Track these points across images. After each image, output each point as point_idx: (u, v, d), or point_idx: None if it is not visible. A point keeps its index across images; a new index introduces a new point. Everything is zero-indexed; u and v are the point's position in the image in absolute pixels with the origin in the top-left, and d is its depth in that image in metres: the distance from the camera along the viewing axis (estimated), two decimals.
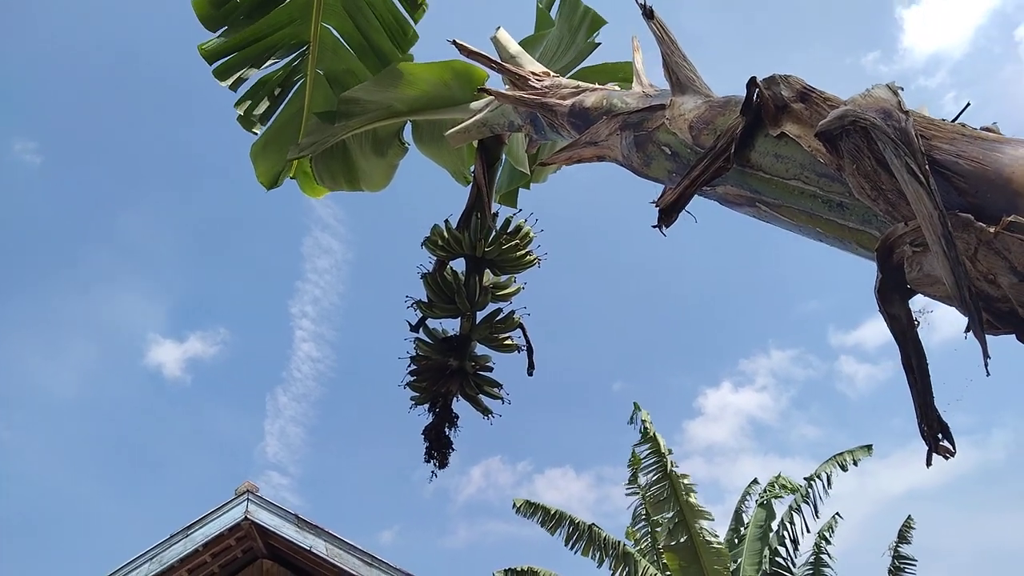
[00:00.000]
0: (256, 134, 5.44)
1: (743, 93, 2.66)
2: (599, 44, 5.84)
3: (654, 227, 2.72)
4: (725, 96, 2.89)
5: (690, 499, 14.14)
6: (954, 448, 1.96)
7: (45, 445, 39.27)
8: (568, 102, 3.61)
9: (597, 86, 3.69)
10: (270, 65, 5.33)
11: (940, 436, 1.98)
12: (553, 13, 5.62)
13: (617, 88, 3.55)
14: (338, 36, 5.41)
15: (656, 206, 2.84)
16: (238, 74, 5.20)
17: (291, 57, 5.41)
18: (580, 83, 3.77)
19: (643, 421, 15.16)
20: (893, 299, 2.06)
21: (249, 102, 5.38)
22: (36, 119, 35.82)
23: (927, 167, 1.94)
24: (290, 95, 5.52)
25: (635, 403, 15.46)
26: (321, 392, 41.01)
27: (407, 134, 5.63)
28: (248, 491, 11.25)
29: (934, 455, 1.98)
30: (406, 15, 5.29)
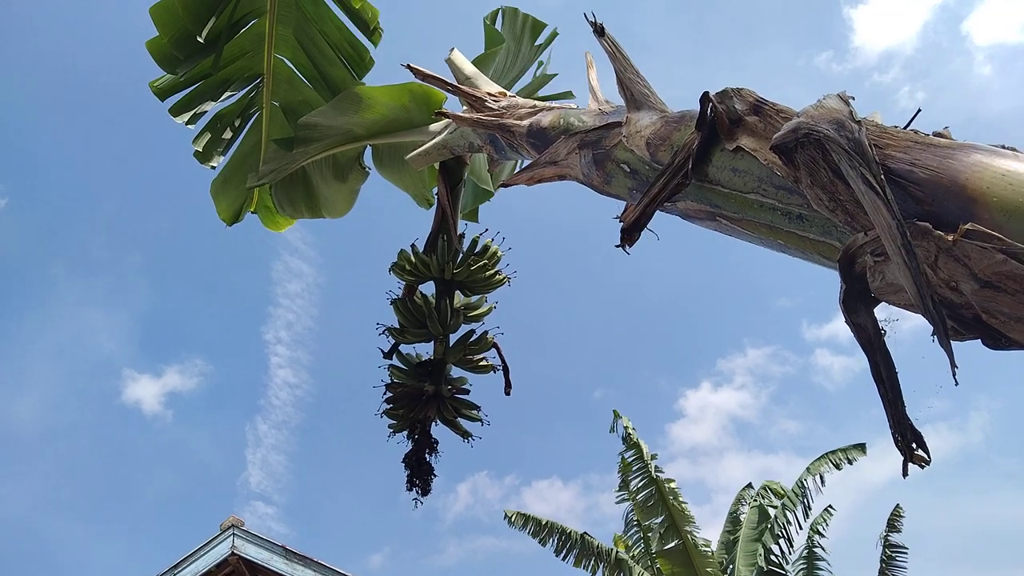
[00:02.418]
0: (214, 168, 5.37)
1: (697, 106, 2.65)
2: (544, 46, 5.81)
3: (617, 246, 2.70)
4: (680, 111, 2.88)
5: (678, 503, 14.14)
6: (929, 457, 1.95)
7: (24, 487, 38.66)
8: (525, 122, 3.58)
9: (553, 105, 3.68)
10: (226, 99, 5.27)
11: (914, 445, 1.97)
12: (498, 27, 5.60)
13: (573, 106, 3.54)
14: (292, 67, 5.36)
15: (619, 221, 2.82)
16: (194, 110, 5.13)
17: (246, 90, 5.35)
18: (536, 103, 3.75)
19: (625, 428, 15.15)
20: (858, 309, 2.05)
21: (207, 137, 5.31)
22: None
23: (882, 177, 1.93)
24: (247, 128, 5.46)
25: (615, 411, 15.46)
26: (301, 418, 40.62)
27: (367, 158, 5.58)
28: (233, 525, 11.12)
29: (910, 464, 1.97)
30: (364, 40, 5.24)
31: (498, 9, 5.60)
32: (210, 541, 11.15)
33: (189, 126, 5.19)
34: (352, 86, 5.26)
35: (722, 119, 2.49)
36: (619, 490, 15.46)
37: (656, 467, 14.50)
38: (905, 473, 1.91)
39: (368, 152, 5.55)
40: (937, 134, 2.02)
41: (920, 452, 1.94)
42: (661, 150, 2.75)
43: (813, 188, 2.13)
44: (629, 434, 15.05)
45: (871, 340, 2.02)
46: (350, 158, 5.60)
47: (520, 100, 3.88)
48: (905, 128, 2.10)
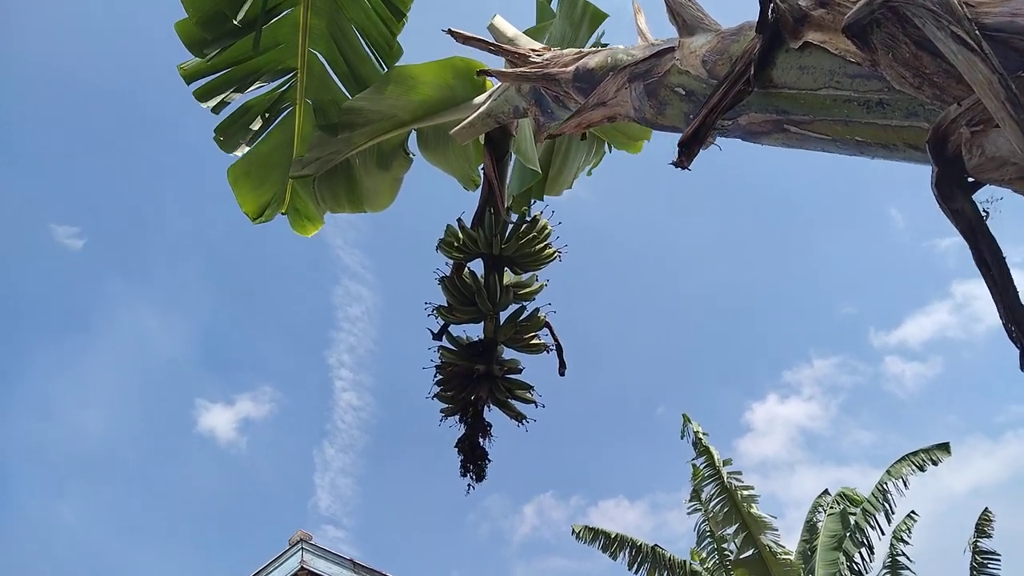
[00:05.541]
0: (237, 155, 5.23)
1: (755, 17, 2.42)
2: (606, 45, 5.63)
3: (672, 163, 2.47)
4: (737, 25, 2.64)
5: (752, 510, 13.64)
6: None
7: (94, 509, 39.60)
8: (571, 68, 3.38)
9: (599, 48, 3.47)
10: (255, 89, 5.15)
11: None
12: (554, 7, 5.43)
13: (620, 46, 3.32)
14: (325, 63, 5.22)
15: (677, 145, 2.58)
16: (221, 97, 5.01)
17: (278, 83, 5.23)
18: (581, 50, 3.54)
19: (695, 432, 14.69)
20: (954, 193, 1.78)
21: (232, 126, 5.17)
22: (76, 203, 36.85)
23: (977, 32, 1.67)
24: (276, 122, 5.31)
25: (684, 415, 15.00)
26: (366, 440, 40.74)
27: (412, 145, 5.44)
28: (302, 540, 11.04)
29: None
30: (390, 28, 5.09)
31: None
32: (280, 556, 11.09)
33: (214, 112, 5.08)
34: (379, 79, 5.10)
35: (785, 18, 2.24)
36: (690, 500, 14.99)
37: (729, 473, 14.02)
38: (1023, 367, 1.63)
39: (412, 137, 5.41)
40: None
41: None
42: (719, 64, 2.51)
43: (894, 67, 1.88)
44: (699, 439, 14.59)
45: (972, 225, 1.75)
46: (394, 145, 5.45)
47: (564, 51, 3.67)
48: None
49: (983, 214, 1.75)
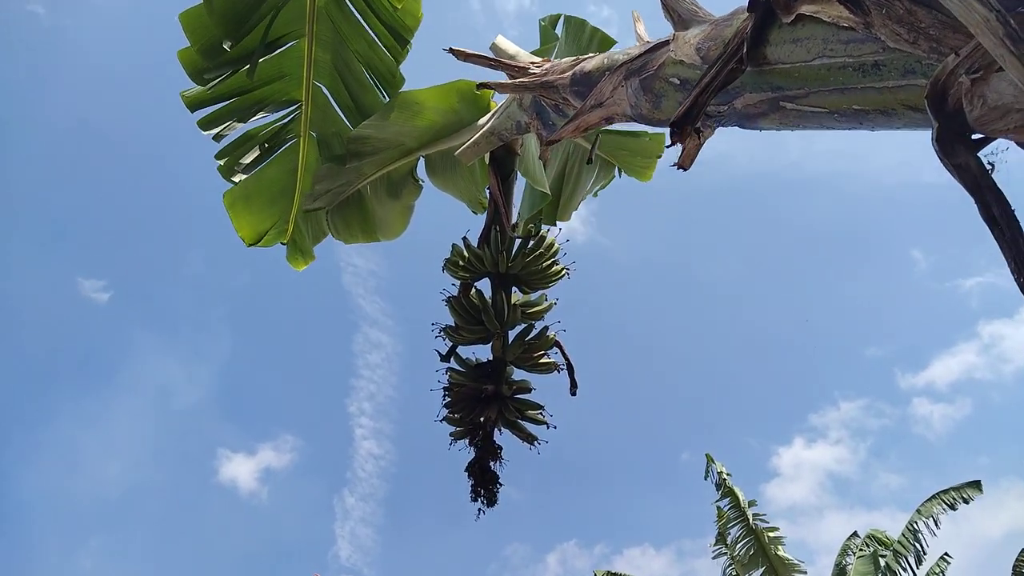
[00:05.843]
0: (235, 183, 5.20)
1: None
2: None
3: (668, 147, 2.40)
4: (729, 12, 2.59)
5: (779, 552, 13.27)
6: None
7: (125, 567, 39.34)
8: (568, 73, 3.34)
9: (596, 54, 3.43)
10: (258, 119, 5.14)
11: None
12: (558, 32, 5.44)
13: (618, 49, 3.28)
14: (329, 96, 5.21)
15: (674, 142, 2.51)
16: (224, 125, 5.01)
17: (281, 114, 5.22)
18: (578, 56, 3.51)
19: (719, 473, 14.38)
20: (956, 149, 1.70)
21: (233, 154, 5.14)
22: (103, 257, 37.39)
23: None
24: (279, 152, 5.29)
25: (707, 455, 14.69)
26: (387, 489, 40.21)
27: (420, 171, 5.42)
28: None
29: None
30: (392, 57, 5.09)
31: (559, 15, 5.43)
32: None
33: (215, 141, 5.07)
34: (381, 109, 5.08)
35: None
36: (716, 543, 14.59)
37: (754, 515, 13.67)
38: None
39: (421, 164, 5.39)
40: None
41: None
42: (713, 50, 2.46)
43: (888, 25, 1.81)
44: (724, 480, 14.26)
45: (976, 180, 1.66)
46: (403, 174, 5.44)
47: (562, 60, 3.65)
48: None
49: (988, 166, 1.66)
